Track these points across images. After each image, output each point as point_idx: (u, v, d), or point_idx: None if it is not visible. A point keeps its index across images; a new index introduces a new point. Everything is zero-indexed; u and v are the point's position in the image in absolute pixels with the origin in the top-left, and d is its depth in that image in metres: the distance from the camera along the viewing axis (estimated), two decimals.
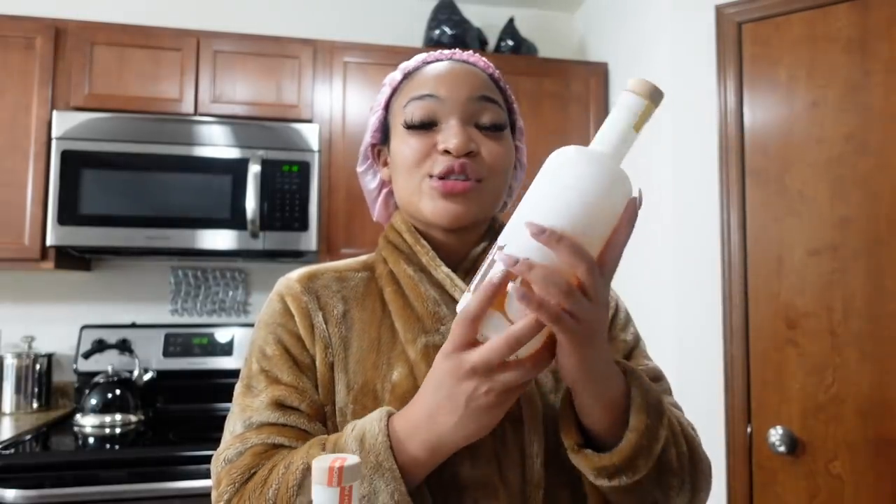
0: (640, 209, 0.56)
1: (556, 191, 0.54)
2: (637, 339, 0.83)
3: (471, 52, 0.82)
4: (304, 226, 2.13)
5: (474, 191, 0.73)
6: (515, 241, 0.54)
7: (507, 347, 0.54)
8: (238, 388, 0.75)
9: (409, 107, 0.76)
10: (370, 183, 0.87)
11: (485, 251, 0.78)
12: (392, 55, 2.31)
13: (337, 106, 2.27)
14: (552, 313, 0.51)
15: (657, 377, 0.79)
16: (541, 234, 0.52)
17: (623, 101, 0.55)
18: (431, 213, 0.74)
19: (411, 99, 0.76)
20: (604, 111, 2.45)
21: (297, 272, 0.80)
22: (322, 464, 0.48)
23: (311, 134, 2.17)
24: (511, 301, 0.54)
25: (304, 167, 2.15)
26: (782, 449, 1.68)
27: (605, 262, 0.56)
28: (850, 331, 1.64)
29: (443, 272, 0.76)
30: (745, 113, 1.83)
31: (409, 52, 2.34)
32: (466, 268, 0.78)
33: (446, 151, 0.72)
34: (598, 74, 2.46)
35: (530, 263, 0.52)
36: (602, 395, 0.61)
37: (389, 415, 0.64)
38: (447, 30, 2.45)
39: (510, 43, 2.57)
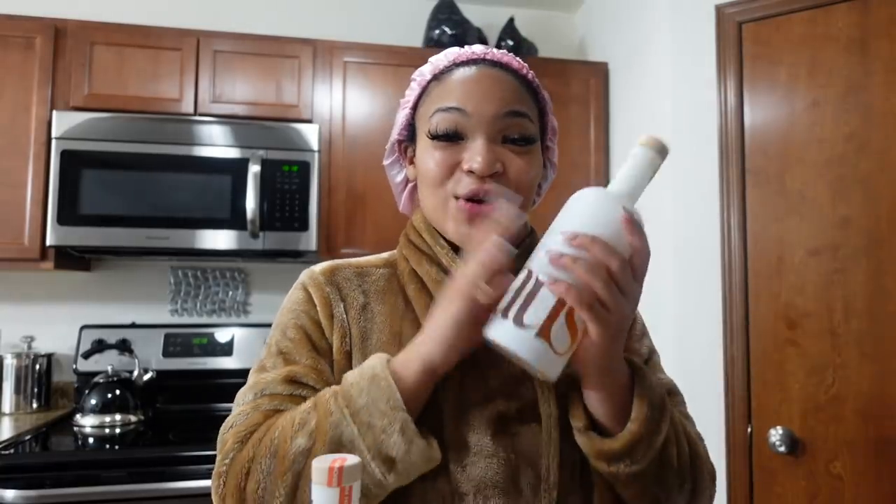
0: (640, 225, 0.61)
1: (582, 218, 0.60)
2: (651, 351, 0.84)
3: (504, 51, 0.79)
4: (304, 226, 2.13)
5: None
6: (542, 254, 0.60)
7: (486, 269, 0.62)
8: (253, 368, 0.77)
9: (434, 117, 0.74)
10: (396, 177, 0.87)
11: None
12: (392, 55, 2.31)
13: (337, 106, 2.27)
14: (586, 299, 0.57)
15: (671, 392, 0.81)
16: (574, 238, 0.58)
17: (648, 159, 0.63)
18: (455, 237, 0.75)
19: (437, 109, 0.74)
20: (604, 111, 2.45)
21: (320, 266, 0.81)
22: (322, 464, 0.48)
23: (311, 134, 2.17)
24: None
25: (304, 167, 2.14)
26: (782, 449, 1.68)
27: (635, 266, 0.60)
28: (851, 331, 1.63)
29: None
30: (746, 113, 1.83)
31: (409, 53, 2.34)
32: None
33: (471, 171, 0.72)
34: (598, 74, 2.46)
35: (575, 257, 0.57)
36: (610, 386, 0.65)
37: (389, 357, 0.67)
38: (447, 30, 2.45)
39: (510, 43, 2.57)
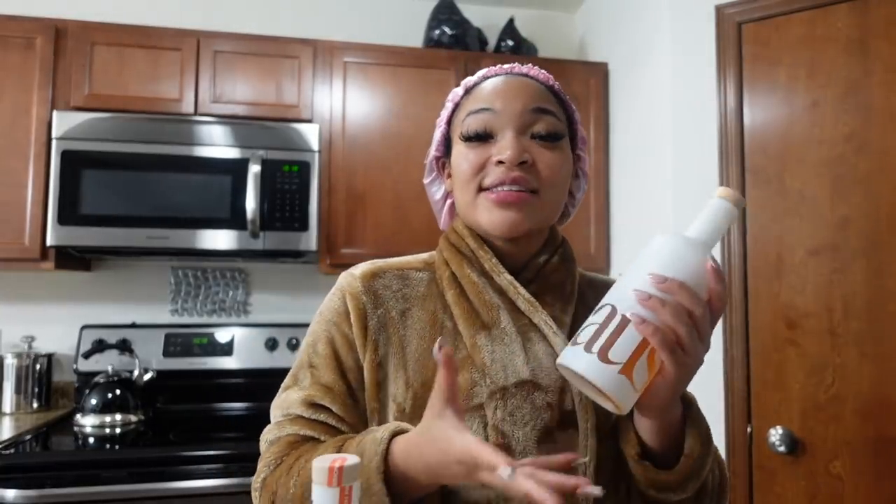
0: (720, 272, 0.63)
1: (670, 262, 0.61)
2: None
3: (530, 65, 0.84)
4: (304, 226, 2.13)
5: (530, 201, 0.75)
6: (630, 293, 0.61)
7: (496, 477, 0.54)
8: (288, 377, 0.81)
9: (466, 120, 0.78)
10: (436, 194, 0.90)
11: (546, 262, 0.81)
12: (392, 55, 2.31)
13: (337, 106, 2.27)
14: (669, 342, 0.58)
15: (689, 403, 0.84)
16: (662, 281, 0.59)
17: (726, 210, 0.65)
18: (488, 224, 0.76)
19: (469, 113, 0.78)
20: (604, 111, 2.45)
21: (361, 268, 0.82)
22: (322, 464, 0.48)
23: (311, 134, 2.17)
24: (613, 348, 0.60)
25: (304, 167, 2.14)
26: (782, 449, 1.68)
27: (713, 312, 0.62)
28: (850, 331, 1.64)
29: (506, 279, 0.77)
30: (745, 113, 1.83)
31: (409, 53, 2.34)
32: (528, 277, 0.80)
33: (500, 162, 0.74)
34: (598, 74, 2.46)
35: (662, 300, 0.58)
36: (668, 419, 0.67)
37: (393, 435, 0.64)
38: (447, 30, 2.44)
39: (510, 43, 2.57)
